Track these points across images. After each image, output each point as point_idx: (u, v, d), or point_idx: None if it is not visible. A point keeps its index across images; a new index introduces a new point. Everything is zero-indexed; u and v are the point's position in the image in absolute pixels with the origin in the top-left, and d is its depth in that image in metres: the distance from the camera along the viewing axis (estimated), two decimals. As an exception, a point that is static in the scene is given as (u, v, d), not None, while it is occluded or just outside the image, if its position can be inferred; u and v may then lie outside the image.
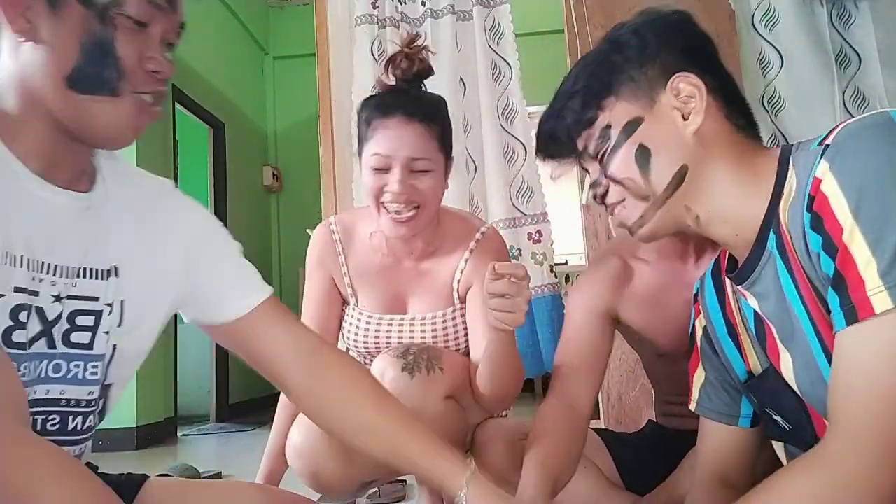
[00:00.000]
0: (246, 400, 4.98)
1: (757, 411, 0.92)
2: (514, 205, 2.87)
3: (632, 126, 0.80)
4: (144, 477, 0.91)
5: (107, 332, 0.78)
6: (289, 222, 5.74)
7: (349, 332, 1.46)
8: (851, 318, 0.63)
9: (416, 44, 1.35)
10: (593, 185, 0.86)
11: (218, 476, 2.56)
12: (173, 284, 0.87)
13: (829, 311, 0.69)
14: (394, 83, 1.35)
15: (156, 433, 3.67)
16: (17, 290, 0.69)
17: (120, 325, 0.80)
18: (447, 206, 1.44)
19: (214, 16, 5.07)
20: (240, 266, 0.96)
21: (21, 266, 0.69)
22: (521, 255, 2.85)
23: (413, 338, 1.39)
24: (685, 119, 0.79)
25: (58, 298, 0.73)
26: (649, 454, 1.40)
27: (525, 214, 2.86)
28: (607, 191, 0.84)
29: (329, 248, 1.45)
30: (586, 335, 1.25)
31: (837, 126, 0.70)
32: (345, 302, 1.49)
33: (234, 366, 4.90)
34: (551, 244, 2.85)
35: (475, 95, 2.96)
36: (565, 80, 0.88)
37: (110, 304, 0.78)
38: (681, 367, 1.31)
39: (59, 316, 0.74)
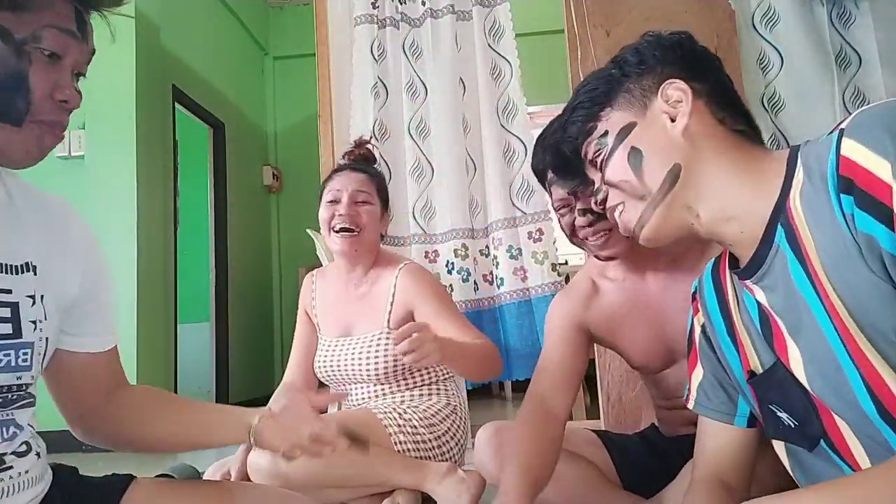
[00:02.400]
0: (246, 400, 4.97)
1: (754, 412, 0.92)
2: (513, 204, 2.88)
3: (625, 131, 0.86)
4: (130, 478, 0.92)
5: (33, 322, 0.80)
6: (289, 222, 5.74)
7: (316, 360, 1.83)
8: None
9: (362, 140, 1.95)
10: (596, 192, 0.92)
11: (218, 476, 2.55)
12: (73, 290, 0.89)
13: (840, 301, 0.70)
14: (345, 160, 1.90)
15: (156, 433, 3.67)
16: None
17: (45, 318, 0.82)
18: (385, 249, 1.92)
19: (214, 16, 5.07)
20: (110, 306, 0.99)
21: None
22: (520, 254, 2.85)
23: (350, 356, 1.73)
24: (673, 121, 0.84)
25: None
26: (647, 456, 1.41)
27: (525, 213, 2.86)
28: (607, 196, 0.90)
29: (307, 289, 1.93)
30: (562, 347, 1.34)
31: (846, 118, 0.72)
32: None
33: (234, 366, 4.90)
34: (553, 242, 2.85)
35: (475, 95, 2.96)
36: (570, 99, 0.95)
37: (31, 297, 0.80)
38: (660, 377, 1.35)
39: None
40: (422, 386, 1.77)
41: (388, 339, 1.70)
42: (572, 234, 1.30)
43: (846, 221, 0.68)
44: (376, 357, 1.70)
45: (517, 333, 2.82)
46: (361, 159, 1.88)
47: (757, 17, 2.70)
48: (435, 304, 1.69)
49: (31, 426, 0.84)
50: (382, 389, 1.74)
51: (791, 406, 0.83)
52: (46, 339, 0.83)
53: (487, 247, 2.92)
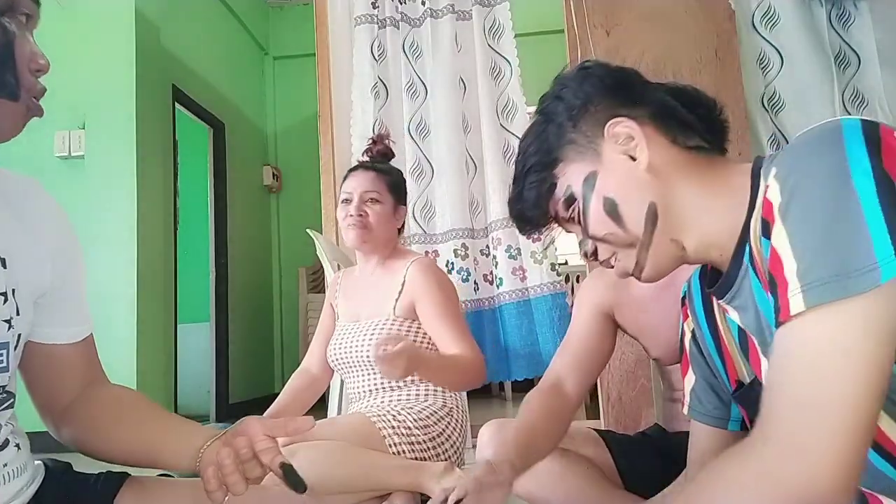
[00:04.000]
0: (246, 400, 4.97)
1: (745, 420, 0.92)
2: (513, 204, 2.87)
3: (590, 181, 0.82)
4: (125, 475, 0.90)
5: (6, 321, 0.77)
6: (289, 222, 5.74)
7: (329, 345, 1.87)
8: (777, 319, 0.63)
9: (381, 135, 2.00)
10: (581, 244, 0.88)
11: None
12: (45, 278, 0.85)
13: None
14: (366, 160, 1.95)
15: (156, 433, 3.67)
16: None
17: (18, 314, 0.79)
18: (402, 247, 1.98)
19: (214, 16, 5.07)
20: (83, 294, 0.93)
21: None
22: (519, 254, 2.85)
23: (357, 340, 1.77)
24: (633, 160, 0.80)
25: None
26: (650, 455, 1.41)
27: (525, 214, 2.86)
28: (596, 249, 0.86)
29: (334, 284, 2.01)
30: (587, 328, 1.36)
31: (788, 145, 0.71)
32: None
33: (234, 366, 4.90)
34: (552, 242, 2.85)
35: (475, 95, 2.96)
36: (515, 163, 0.93)
37: (3, 294, 0.77)
38: (673, 368, 1.35)
39: None
40: (419, 384, 1.77)
41: (393, 325, 1.74)
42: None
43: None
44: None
45: (517, 333, 2.83)
46: (379, 156, 1.93)
47: (757, 17, 2.71)
48: (435, 304, 1.71)
49: (11, 424, 0.82)
50: (383, 380, 1.75)
51: None
52: (19, 335, 0.79)
53: (488, 246, 2.92)
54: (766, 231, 0.67)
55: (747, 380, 0.86)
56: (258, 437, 0.79)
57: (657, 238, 0.80)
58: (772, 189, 0.66)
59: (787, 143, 2.68)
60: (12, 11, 0.74)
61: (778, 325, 0.63)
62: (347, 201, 1.82)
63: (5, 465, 0.79)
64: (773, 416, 0.62)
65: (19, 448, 0.82)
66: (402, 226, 1.91)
